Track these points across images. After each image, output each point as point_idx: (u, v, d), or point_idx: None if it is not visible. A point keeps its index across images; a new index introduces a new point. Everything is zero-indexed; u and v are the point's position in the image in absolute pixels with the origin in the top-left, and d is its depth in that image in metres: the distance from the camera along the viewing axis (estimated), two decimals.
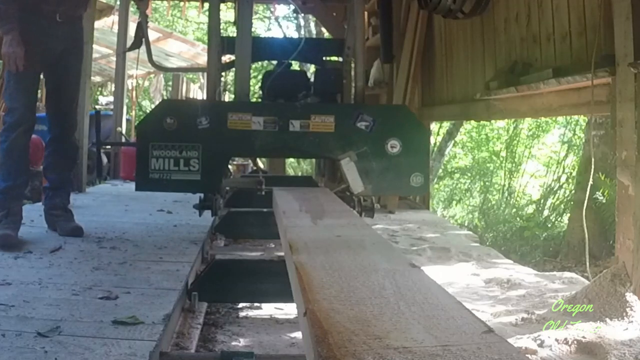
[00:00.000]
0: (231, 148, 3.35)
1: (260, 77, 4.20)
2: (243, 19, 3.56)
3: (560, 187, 9.76)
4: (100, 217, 4.08)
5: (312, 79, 3.94)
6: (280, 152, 3.88)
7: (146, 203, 4.49)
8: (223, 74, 4.15)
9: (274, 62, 4.14)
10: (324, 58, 4.24)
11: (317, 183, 5.54)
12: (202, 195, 3.54)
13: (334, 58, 4.32)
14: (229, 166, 7.87)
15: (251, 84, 3.92)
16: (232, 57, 3.82)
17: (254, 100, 4.15)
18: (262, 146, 3.29)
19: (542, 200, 9.78)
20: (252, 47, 3.52)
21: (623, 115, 2.83)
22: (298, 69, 4.96)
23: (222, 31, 4.14)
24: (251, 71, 3.76)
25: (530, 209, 9.75)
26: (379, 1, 3.90)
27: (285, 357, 2.25)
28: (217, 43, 3.75)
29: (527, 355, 2.24)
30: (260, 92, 3.94)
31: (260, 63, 11.38)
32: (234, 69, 3.70)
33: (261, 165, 6.33)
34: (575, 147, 10.08)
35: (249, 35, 3.59)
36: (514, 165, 10.89)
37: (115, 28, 8.38)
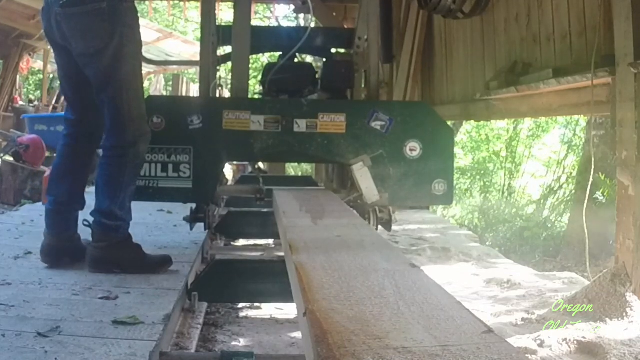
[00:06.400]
0: (227, 151, 3.00)
1: (259, 75, 3.82)
2: (241, 5, 3.19)
3: (560, 187, 9.75)
4: None
5: (319, 73, 3.54)
6: (283, 156, 3.45)
7: (146, 203, 4.48)
8: (218, 67, 3.74)
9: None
10: (332, 50, 3.86)
11: (317, 183, 5.53)
12: (193, 205, 3.15)
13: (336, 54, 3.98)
14: (229, 167, 7.90)
15: (250, 81, 3.62)
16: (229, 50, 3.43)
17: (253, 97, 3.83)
18: (262, 149, 2.94)
19: (542, 200, 9.77)
20: (251, 36, 3.13)
21: (623, 115, 2.84)
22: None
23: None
24: (250, 65, 3.35)
25: (531, 209, 9.74)
26: (379, 1, 3.75)
27: (285, 357, 2.25)
28: (212, 32, 3.32)
29: (527, 355, 2.24)
30: (261, 87, 3.53)
31: (260, 58, 11.43)
32: (230, 62, 3.28)
33: (262, 165, 6.27)
34: (575, 147, 10.07)
35: (248, 23, 3.21)
36: (514, 165, 10.88)
37: None
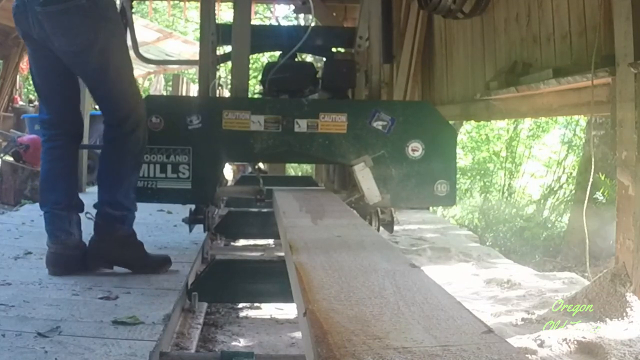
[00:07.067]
0: (227, 152, 2.95)
1: (259, 75, 3.75)
2: (241, 4, 3.14)
3: (560, 187, 9.75)
4: None
5: (320, 72, 3.49)
6: (284, 157, 3.40)
7: (146, 203, 4.49)
8: (218, 67, 3.66)
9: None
10: (332, 49, 3.82)
11: (317, 183, 5.52)
12: (192, 206, 3.12)
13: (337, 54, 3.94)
14: (229, 168, 7.88)
15: (250, 81, 3.58)
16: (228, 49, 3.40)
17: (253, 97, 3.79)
18: (262, 150, 2.91)
19: (542, 200, 9.77)
20: (251, 35, 3.08)
21: (623, 115, 2.84)
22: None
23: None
24: (250, 65, 3.29)
25: (530, 209, 9.74)
26: (380, 0, 3.71)
27: (285, 357, 2.25)
28: (211, 31, 3.29)
29: (527, 355, 2.24)
30: (261, 87, 3.48)
31: (260, 57, 11.42)
32: (230, 61, 3.23)
33: (262, 165, 6.27)
34: (575, 147, 10.08)
35: (248, 21, 3.16)
36: (514, 165, 10.89)
37: None
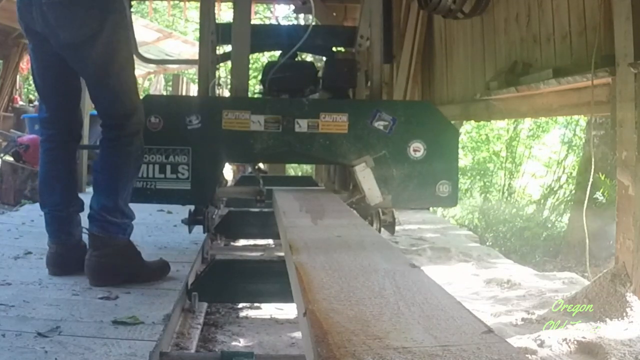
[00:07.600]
0: (226, 152, 2.94)
1: (259, 75, 3.73)
2: (241, 3, 3.11)
3: (560, 187, 9.75)
4: None
5: (320, 72, 3.48)
6: (284, 157, 3.37)
7: (146, 203, 4.49)
8: (218, 66, 3.61)
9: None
10: (333, 49, 3.81)
11: (317, 183, 5.52)
12: (192, 207, 3.10)
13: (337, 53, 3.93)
14: (229, 168, 7.88)
15: (250, 81, 3.57)
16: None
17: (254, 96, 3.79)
18: (262, 150, 2.89)
19: (542, 200, 9.77)
20: (251, 35, 3.05)
21: (623, 115, 2.84)
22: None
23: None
24: (250, 65, 3.25)
25: (530, 209, 9.74)
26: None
27: (285, 357, 2.25)
28: (211, 30, 3.28)
29: (527, 355, 2.24)
30: (261, 86, 3.47)
31: (260, 57, 11.41)
32: (230, 61, 3.21)
33: (262, 165, 6.26)
34: (575, 147, 10.08)
35: (248, 21, 3.14)
36: (514, 165, 10.89)
37: None
